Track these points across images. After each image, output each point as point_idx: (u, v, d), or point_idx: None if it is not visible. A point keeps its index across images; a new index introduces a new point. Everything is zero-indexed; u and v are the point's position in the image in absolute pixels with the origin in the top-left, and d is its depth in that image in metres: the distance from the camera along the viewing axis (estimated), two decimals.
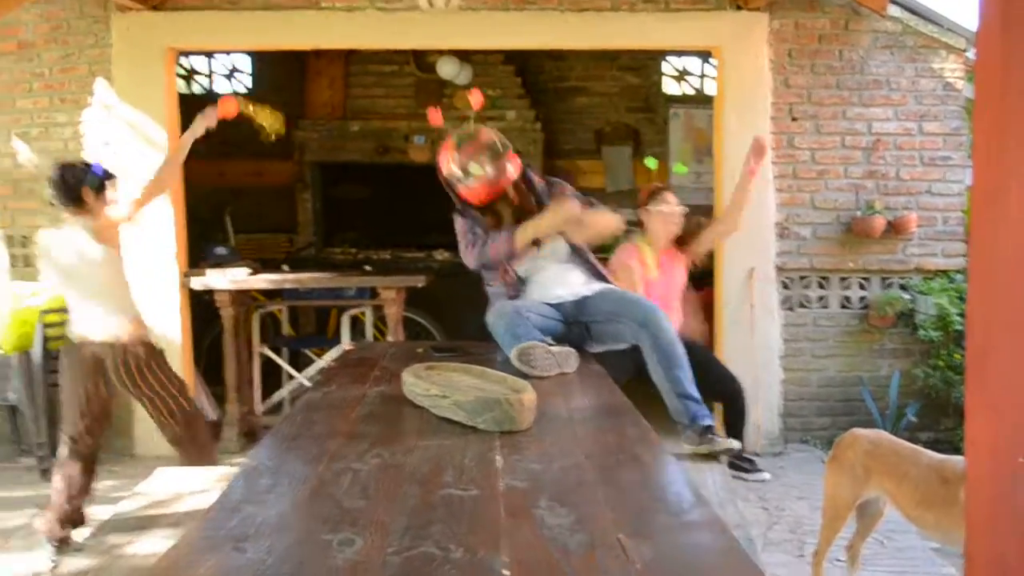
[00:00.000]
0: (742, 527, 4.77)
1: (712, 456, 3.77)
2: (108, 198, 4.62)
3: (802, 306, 6.48)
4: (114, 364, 4.53)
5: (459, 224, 4.21)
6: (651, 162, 5.61)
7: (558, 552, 1.65)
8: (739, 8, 6.32)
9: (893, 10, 6.28)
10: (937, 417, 6.40)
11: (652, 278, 4.97)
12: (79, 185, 4.52)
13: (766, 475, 4.39)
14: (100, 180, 4.57)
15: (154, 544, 3.54)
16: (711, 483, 5.42)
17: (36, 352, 6.00)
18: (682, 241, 5.12)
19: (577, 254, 4.10)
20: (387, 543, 1.69)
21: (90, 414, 4.59)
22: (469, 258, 4.15)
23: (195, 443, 4.85)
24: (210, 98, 10.40)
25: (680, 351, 3.75)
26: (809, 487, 5.54)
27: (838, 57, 6.36)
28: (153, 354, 4.68)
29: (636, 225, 5.10)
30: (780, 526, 4.99)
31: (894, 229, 6.29)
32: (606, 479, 2.08)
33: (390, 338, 6.61)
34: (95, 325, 4.55)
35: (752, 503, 5.31)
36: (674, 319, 4.72)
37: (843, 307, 6.49)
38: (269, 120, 5.17)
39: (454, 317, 7.86)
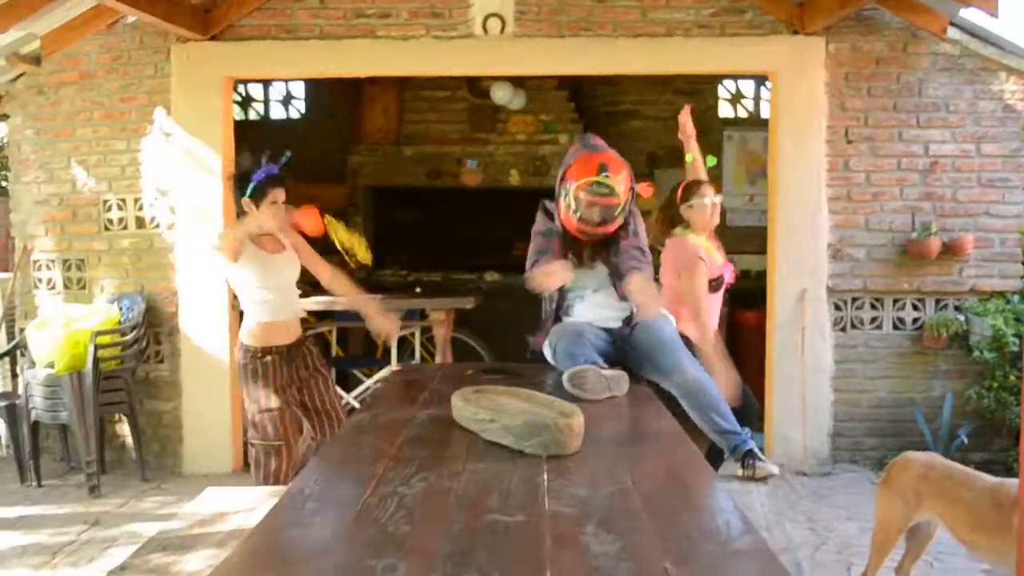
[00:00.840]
0: (789, 550, 4.73)
1: (756, 480, 3.82)
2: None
3: (854, 327, 6.40)
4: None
5: (536, 227, 4.25)
6: (712, 160, 5.52)
7: None
8: (795, 32, 6.28)
9: (952, 32, 6.19)
10: (991, 438, 6.27)
11: (720, 262, 4.84)
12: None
13: (774, 468, 4.24)
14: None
15: (198, 564, 3.55)
16: (758, 506, 5.38)
17: (88, 373, 6.07)
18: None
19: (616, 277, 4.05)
20: (431, 569, 1.68)
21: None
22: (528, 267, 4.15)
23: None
24: (266, 124, 10.61)
25: (710, 391, 3.81)
26: (857, 508, 5.45)
27: (895, 80, 6.29)
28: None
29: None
30: (828, 547, 4.89)
31: (950, 250, 6.20)
32: (653, 506, 2.06)
33: (438, 359, 6.61)
34: None
35: (800, 524, 5.23)
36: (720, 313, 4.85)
37: (896, 328, 6.40)
38: (349, 242, 5.09)
39: (503, 338, 7.85)
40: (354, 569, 1.69)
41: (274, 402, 4.52)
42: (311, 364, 4.78)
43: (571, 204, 3.98)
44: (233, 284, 4.71)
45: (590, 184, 3.92)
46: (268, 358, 4.55)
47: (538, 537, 1.86)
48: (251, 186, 4.47)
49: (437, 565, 1.70)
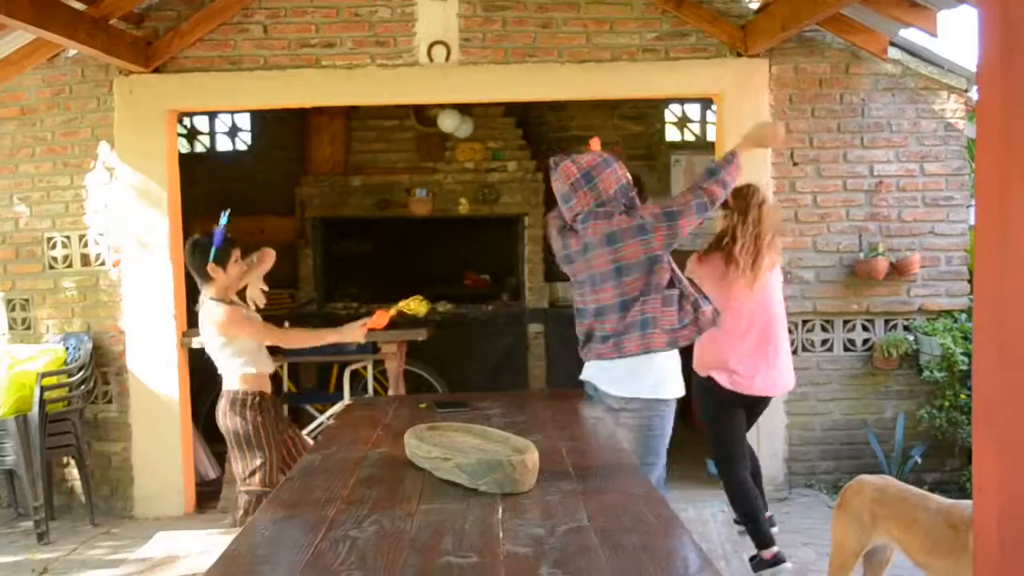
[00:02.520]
0: None
1: None
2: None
3: (806, 350, 6.43)
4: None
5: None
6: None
7: None
8: (739, 55, 6.32)
9: (893, 52, 6.28)
10: (943, 458, 6.33)
11: None
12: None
13: (788, 566, 4.35)
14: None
15: None
16: (715, 535, 5.37)
17: (34, 415, 5.94)
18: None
19: None
20: None
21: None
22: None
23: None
24: (212, 157, 10.51)
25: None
26: (814, 532, 5.47)
27: (839, 101, 6.36)
28: None
29: None
30: (785, 573, 4.89)
31: (897, 270, 6.25)
32: (610, 543, 2.03)
33: (391, 392, 6.56)
34: None
35: None
36: None
37: (847, 350, 6.44)
38: (415, 307, 5.12)
39: (456, 369, 7.83)
40: None
41: (273, 448, 4.61)
42: (284, 414, 4.96)
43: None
44: (231, 351, 4.67)
45: None
46: (265, 405, 4.64)
47: None
48: (213, 252, 4.58)
49: None
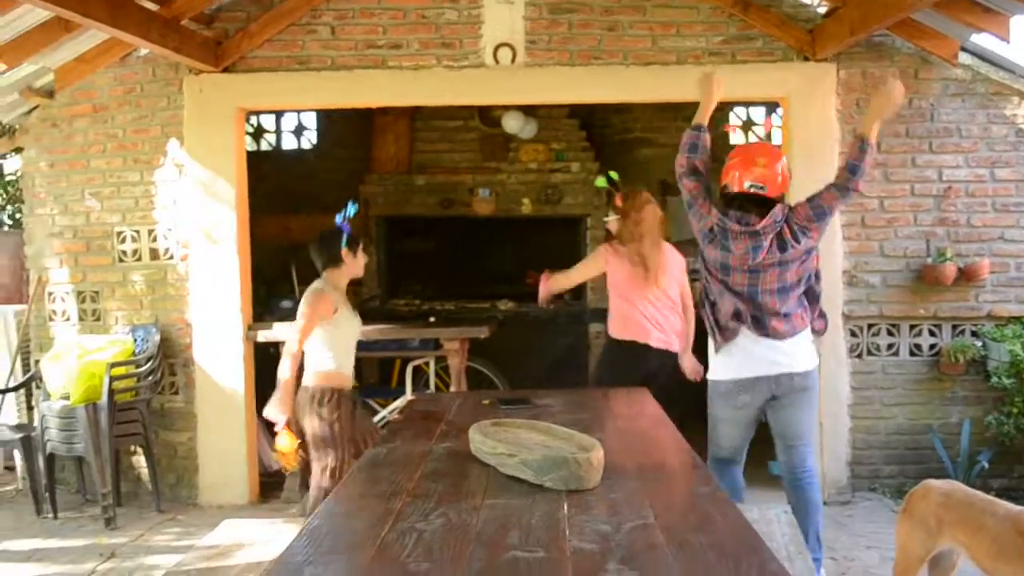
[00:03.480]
0: None
1: None
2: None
3: (871, 354, 6.37)
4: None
5: None
6: (600, 182, 6.10)
7: None
8: (806, 59, 6.28)
9: (964, 58, 6.19)
10: (1011, 464, 6.23)
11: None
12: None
13: None
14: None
15: None
16: (779, 536, 5.32)
17: (103, 404, 6.07)
18: None
19: None
20: None
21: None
22: None
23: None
24: (278, 154, 10.65)
25: None
26: (878, 536, 5.42)
27: (907, 105, 6.26)
28: None
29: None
30: None
31: (965, 276, 6.17)
32: (676, 540, 2.04)
33: (453, 388, 6.60)
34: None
35: None
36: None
37: (913, 355, 6.36)
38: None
39: (517, 366, 7.85)
40: None
41: (347, 446, 4.71)
42: (360, 411, 5.03)
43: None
44: (318, 341, 4.84)
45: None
46: (343, 402, 4.77)
47: (560, 574, 1.84)
48: (345, 237, 4.83)
49: None
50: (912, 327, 6.34)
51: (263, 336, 6.53)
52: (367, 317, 7.53)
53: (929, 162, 6.29)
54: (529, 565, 1.90)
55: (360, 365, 7.85)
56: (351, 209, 4.87)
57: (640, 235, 5.58)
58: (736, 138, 10.40)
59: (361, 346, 6.57)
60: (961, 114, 6.26)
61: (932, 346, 6.33)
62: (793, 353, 4.44)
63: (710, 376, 4.66)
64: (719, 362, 4.58)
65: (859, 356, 6.34)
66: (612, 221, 5.89)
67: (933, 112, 6.27)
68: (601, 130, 10.00)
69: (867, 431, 6.35)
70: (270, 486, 6.73)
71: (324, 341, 4.79)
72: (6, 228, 11.36)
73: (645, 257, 5.55)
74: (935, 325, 6.33)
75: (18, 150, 7.35)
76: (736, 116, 10.33)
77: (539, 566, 1.89)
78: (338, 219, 4.85)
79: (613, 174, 6.04)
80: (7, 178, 11.45)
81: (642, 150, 10.05)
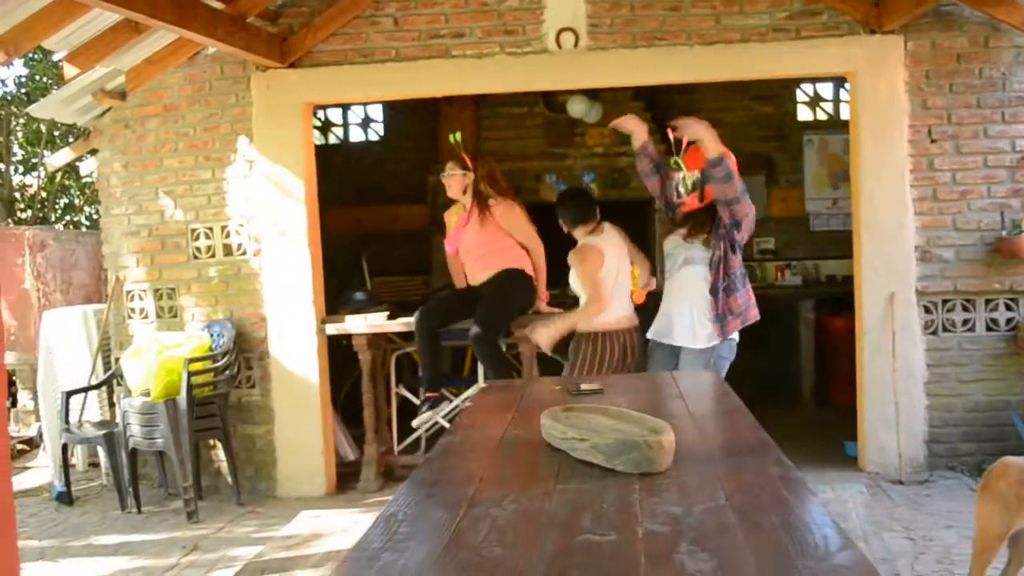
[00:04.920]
0: (888, 561, 4.65)
1: None
2: None
3: (946, 330, 6.26)
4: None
5: None
6: (453, 137, 6.36)
7: None
8: (873, 32, 6.18)
9: None
10: None
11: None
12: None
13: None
14: None
15: None
16: (854, 516, 5.30)
17: (182, 399, 6.20)
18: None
19: None
20: None
21: None
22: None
23: None
24: (346, 148, 10.75)
25: None
26: (957, 515, 5.34)
27: (978, 75, 6.16)
28: None
29: None
30: (927, 556, 4.78)
31: None
32: (748, 522, 2.03)
33: (525, 375, 6.62)
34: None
35: (898, 533, 5.12)
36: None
37: (989, 330, 6.25)
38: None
39: None
40: None
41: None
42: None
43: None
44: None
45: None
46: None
47: (632, 556, 1.85)
48: None
49: None
50: (988, 301, 6.24)
51: (335, 329, 6.60)
52: None
53: (1002, 132, 6.17)
54: (601, 548, 1.90)
55: None
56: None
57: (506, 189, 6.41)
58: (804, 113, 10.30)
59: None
60: None
61: (1009, 320, 6.22)
62: None
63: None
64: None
65: (934, 333, 6.25)
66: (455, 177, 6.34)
67: (1005, 81, 6.15)
68: (666, 111, 9.93)
69: (944, 409, 6.26)
70: (347, 477, 6.82)
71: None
72: (84, 229, 11.63)
73: None
74: (1011, 299, 6.21)
75: (93, 152, 7.51)
76: (803, 92, 10.20)
77: (611, 548, 1.89)
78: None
79: (453, 137, 6.35)
80: (84, 180, 11.71)
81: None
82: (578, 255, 5.47)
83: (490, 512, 2.18)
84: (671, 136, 5.10)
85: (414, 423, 6.38)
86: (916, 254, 6.22)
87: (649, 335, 5.46)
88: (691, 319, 5.20)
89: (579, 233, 5.58)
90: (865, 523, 5.18)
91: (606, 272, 5.40)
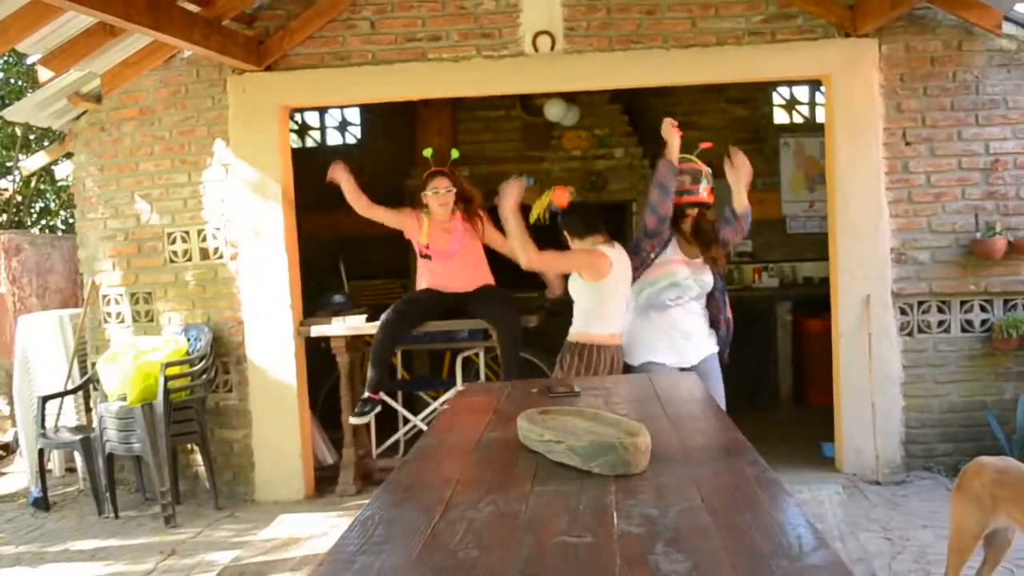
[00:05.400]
0: (864, 561, 4.68)
1: None
2: None
3: (921, 331, 6.31)
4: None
5: None
6: (427, 152, 6.61)
7: None
8: (847, 35, 6.22)
9: (1008, 28, 6.12)
10: None
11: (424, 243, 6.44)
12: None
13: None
14: None
15: None
16: (831, 516, 5.33)
17: (159, 404, 6.17)
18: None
19: None
20: None
21: None
22: None
23: None
24: (323, 151, 10.74)
25: None
26: (933, 515, 5.37)
27: (951, 79, 6.21)
28: None
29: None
30: (904, 556, 4.81)
31: (1016, 249, 6.08)
32: (724, 523, 2.04)
33: (503, 378, 6.62)
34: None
35: (875, 533, 5.15)
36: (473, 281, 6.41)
37: (964, 331, 6.30)
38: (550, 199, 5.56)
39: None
40: None
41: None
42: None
43: None
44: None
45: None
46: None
47: (608, 558, 1.85)
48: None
49: None
50: (963, 303, 6.29)
51: (315, 331, 6.60)
52: None
53: (976, 135, 6.22)
54: (577, 549, 1.91)
55: (411, 357, 7.96)
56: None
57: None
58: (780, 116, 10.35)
59: (411, 339, 6.65)
60: (1007, 85, 6.19)
61: (983, 321, 6.27)
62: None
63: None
64: None
65: (910, 334, 6.29)
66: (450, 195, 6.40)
67: (978, 84, 6.20)
68: (643, 114, 9.98)
69: (920, 410, 6.31)
70: (325, 481, 6.81)
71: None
72: (60, 233, 11.57)
73: None
74: (986, 300, 6.26)
75: (69, 155, 7.47)
76: (779, 95, 10.25)
77: (587, 550, 1.90)
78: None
79: (428, 152, 6.64)
80: (60, 184, 11.64)
81: (686, 132, 9.98)
82: (588, 251, 5.32)
83: (466, 514, 2.18)
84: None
85: (351, 420, 6.38)
86: (892, 256, 6.27)
87: (654, 360, 5.28)
88: (705, 330, 5.40)
89: (587, 244, 5.31)
90: (842, 523, 5.21)
91: (612, 282, 5.28)
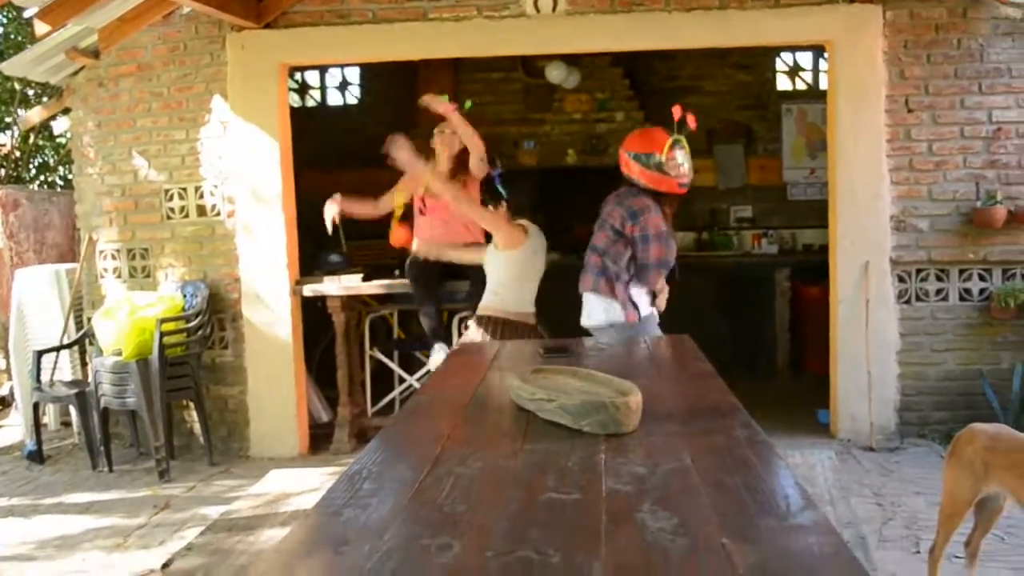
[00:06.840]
0: (853, 524, 4.70)
1: None
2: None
3: (920, 299, 6.30)
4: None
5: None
6: (468, 104, 6.45)
7: (659, 557, 1.62)
8: (852, 1, 6.16)
9: None
10: None
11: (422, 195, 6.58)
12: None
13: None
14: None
15: (262, 543, 3.61)
16: (823, 481, 5.34)
17: (154, 359, 6.17)
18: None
19: None
20: (485, 548, 1.68)
21: None
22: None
23: None
24: (323, 110, 10.68)
25: None
26: (926, 482, 5.38)
27: (956, 46, 6.16)
28: None
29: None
30: (896, 522, 4.82)
31: (1016, 219, 6.07)
32: (712, 482, 2.04)
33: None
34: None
35: (867, 499, 5.17)
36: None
37: (963, 300, 6.28)
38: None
39: (559, 315, 7.85)
40: (410, 548, 1.70)
41: None
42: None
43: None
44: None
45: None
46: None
47: (594, 514, 1.85)
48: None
49: (492, 543, 1.70)
50: (962, 272, 6.27)
51: (310, 290, 6.59)
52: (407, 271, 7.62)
53: (978, 103, 6.17)
54: (564, 506, 1.91)
55: (407, 318, 7.94)
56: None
57: None
58: (783, 83, 10.30)
59: (407, 299, 6.64)
60: (1012, 54, 6.14)
61: (982, 291, 6.25)
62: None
63: None
64: None
65: (907, 302, 6.28)
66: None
67: (983, 52, 6.15)
68: (645, 78, 9.93)
69: (916, 377, 6.31)
70: (320, 439, 6.82)
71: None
72: (58, 188, 11.53)
73: None
74: (985, 269, 6.24)
75: (66, 111, 7.43)
76: (783, 61, 10.19)
77: (573, 507, 1.90)
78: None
79: (468, 104, 6.47)
80: (58, 139, 11.60)
81: (688, 98, 9.92)
82: (505, 218, 5.56)
83: (455, 470, 2.18)
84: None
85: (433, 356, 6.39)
86: (891, 223, 6.24)
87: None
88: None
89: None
90: (833, 488, 5.22)
91: (520, 255, 5.52)
